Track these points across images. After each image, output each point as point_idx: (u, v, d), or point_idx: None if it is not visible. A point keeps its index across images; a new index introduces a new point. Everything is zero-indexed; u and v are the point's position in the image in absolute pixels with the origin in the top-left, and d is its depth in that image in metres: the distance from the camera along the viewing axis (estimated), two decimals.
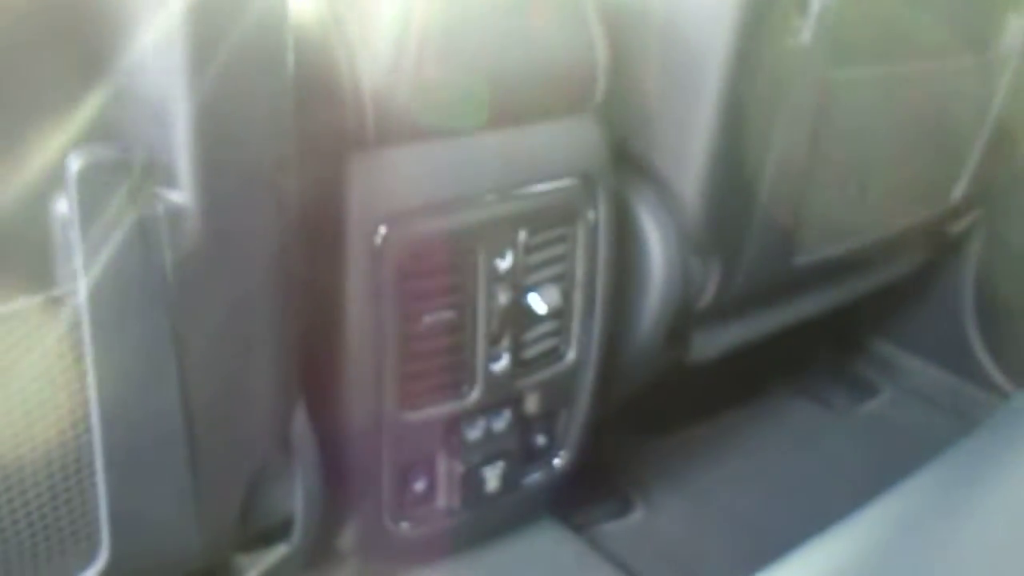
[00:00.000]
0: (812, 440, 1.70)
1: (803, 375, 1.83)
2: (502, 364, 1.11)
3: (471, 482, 1.16)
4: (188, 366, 0.79)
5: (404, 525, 1.15)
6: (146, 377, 0.78)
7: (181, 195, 0.73)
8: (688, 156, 1.16)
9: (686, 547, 1.45)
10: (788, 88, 1.16)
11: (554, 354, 1.18)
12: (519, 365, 1.13)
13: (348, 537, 1.15)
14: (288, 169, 0.83)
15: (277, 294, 0.85)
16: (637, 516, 1.53)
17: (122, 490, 0.80)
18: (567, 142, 1.08)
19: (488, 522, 1.24)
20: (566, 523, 1.43)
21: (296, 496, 0.98)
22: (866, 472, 1.49)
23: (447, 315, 1.04)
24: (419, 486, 1.14)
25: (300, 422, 0.97)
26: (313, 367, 1.05)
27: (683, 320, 1.34)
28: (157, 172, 0.72)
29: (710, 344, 1.43)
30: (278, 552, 1.03)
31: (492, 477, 1.17)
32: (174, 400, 0.79)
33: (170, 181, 0.73)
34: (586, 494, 1.48)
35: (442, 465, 1.15)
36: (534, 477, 1.25)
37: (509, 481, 1.19)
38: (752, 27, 1.10)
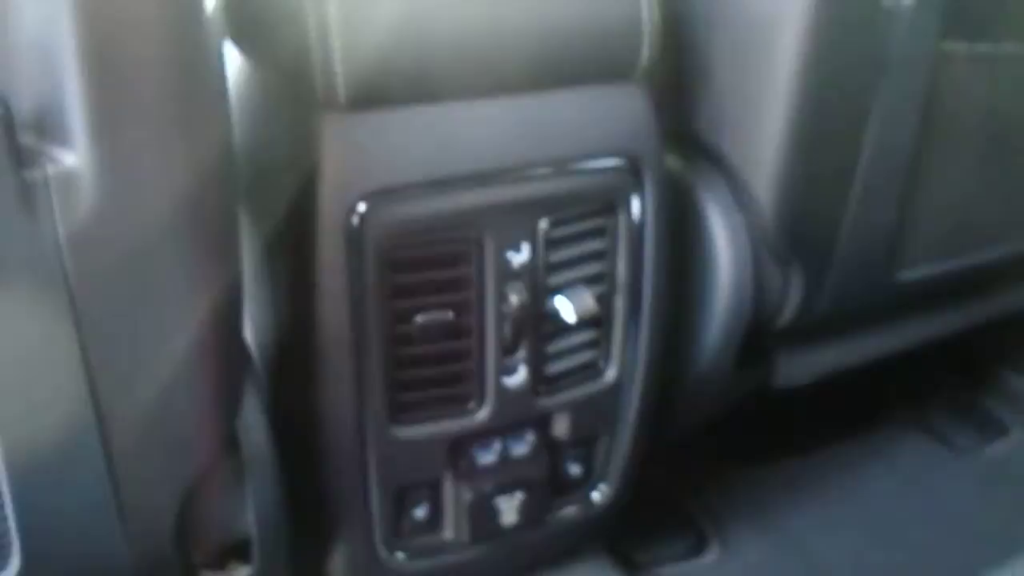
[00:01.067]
0: (925, 482, 1.51)
1: (919, 408, 1.65)
2: (518, 378, 0.94)
3: (482, 513, 0.99)
4: (95, 357, 0.69)
5: (400, 556, 0.99)
6: (46, 370, 0.69)
7: (73, 156, 0.63)
8: (761, 140, 0.97)
9: None
10: (888, 62, 0.95)
11: (590, 370, 1.00)
12: (542, 381, 0.96)
13: (337, 564, 0.99)
14: (213, 122, 0.68)
15: (200, 273, 0.70)
16: (710, 557, 1.37)
17: (28, 494, 0.71)
18: (603, 114, 0.90)
19: (507, 559, 1.07)
20: (623, 561, 1.28)
21: (248, 513, 0.83)
22: (989, 524, 1.36)
23: (444, 316, 0.87)
24: (419, 513, 0.98)
25: (255, 427, 0.83)
26: (286, 366, 0.92)
27: (760, 338, 1.15)
28: (44, 129, 0.63)
29: (799, 368, 1.24)
30: (240, 573, 0.90)
31: (508, 509, 1.00)
32: (82, 396, 0.70)
33: (60, 139, 0.63)
34: (653, 528, 1.37)
35: (448, 491, 0.98)
36: (567, 512, 1.08)
37: (531, 514, 1.02)
38: None
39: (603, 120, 0.91)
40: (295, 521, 0.98)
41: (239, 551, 0.89)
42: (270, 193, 0.90)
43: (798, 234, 1.04)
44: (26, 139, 0.62)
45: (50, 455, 0.71)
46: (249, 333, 0.99)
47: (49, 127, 0.63)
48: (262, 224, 0.93)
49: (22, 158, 0.62)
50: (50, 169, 0.62)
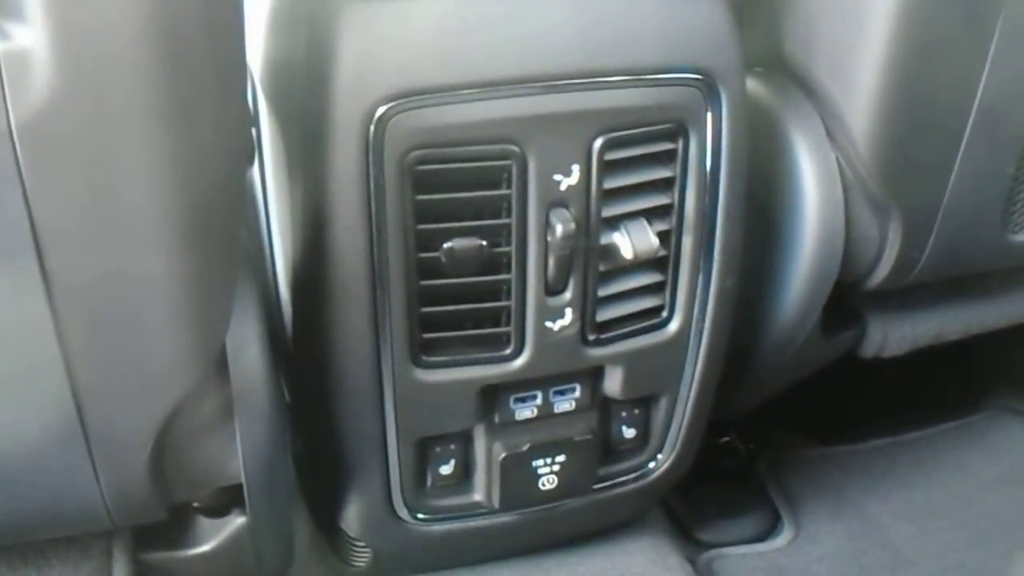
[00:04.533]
0: None
1: (1020, 391, 1.50)
2: (564, 322, 0.83)
3: (517, 474, 0.89)
4: (51, 264, 0.60)
5: (421, 516, 0.90)
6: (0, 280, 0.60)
7: (28, 32, 0.54)
8: (861, 65, 0.84)
9: None
10: None
11: (650, 319, 0.88)
12: (593, 328, 0.85)
13: (350, 519, 0.89)
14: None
15: (172, 170, 0.59)
16: (781, 541, 1.25)
17: None
18: (677, 19, 0.78)
19: (545, 528, 0.95)
20: (682, 537, 1.21)
21: (237, 455, 0.75)
22: None
23: (475, 244, 0.75)
24: (444, 469, 0.88)
25: (249, 353, 0.73)
26: (301, 292, 0.83)
27: (850, 297, 1.03)
28: None
29: (892, 337, 1.11)
30: (235, 521, 0.82)
31: (548, 472, 0.89)
32: (38, 308, 0.61)
33: (14, 12, 0.54)
34: (719, 503, 1.28)
35: (479, 447, 0.88)
36: (617, 481, 0.97)
37: (574, 481, 0.91)
38: None
39: (676, 27, 0.79)
40: (311, 468, 0.89)
41: (243, 496, 0.80)
42: (287, 92, 0.79)
43: (900, 177, 0.91)
44: None
45: (4, 372, 0.64)
46: (278, 256, 0.90)
47: None
48: (284, 130, 0.82)
49: None
50: (1, 46, 0.54)
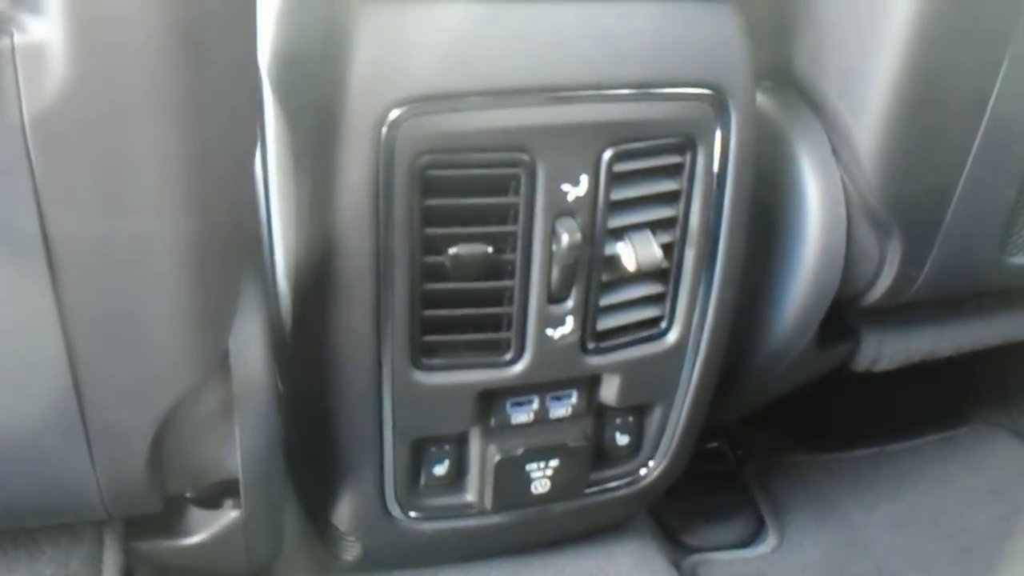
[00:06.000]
0: (1010, 491, 1.37)
1: (1010, 407, 1.49)
2: (565, 331, 0.83)
3: (510, 477, 0.89)
4: (59, 257, 0.60)
5: (413, 514, 0.90)
6: (5, 271, 0.60)
7: (44, 24, 0.53)
8: (870, 85, 0.84)
9: None
10: None
11: (649, 329, 0.88)
12: (592, 336, 0.85)
13: (343, 515, 0.89)
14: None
15: (181, 165, 0.60)
16: (765, 548, 1.26)
17: None
18: (690, 34, 0.78)
19: (534, 529, 0.96)
20: (669, 540, 1.21)
21: (235, 450, 0.75)
22: None
23: (482, 250, 0.75)
24: (439, 469, 0.88)
25: (251, 352, 0.72)
26: (304, 289, 0.82)
27: (846, 312, 1.03)
28: None
29: (885, 352, 1.11)
30: (227, 516, 0.82)
31: (540, 476, 0.89)
32: (44, 299, 0.61)
33: (29, 5, 0.53)
34: (706, 507, 1.28)
35: (474, 449, 0.88)
36: (608, 485, 0.97)
37: (566, 485, 0.91)
38: None
39: (689, 41, 0.78)
40: (303, 461, 0.89)
41: (236, 488, 0.80)
42: (300, 90, 0.79)
43: (902, 198, 0.91)
44: None
45: (7, 362, 0.64)
46: (279, 249, 0.89)
47: None
48: (291, 124, 0.82)
49: None
50: (17, 38, 0.53)
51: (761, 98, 0.92)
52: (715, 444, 1.35)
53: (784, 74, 0.91)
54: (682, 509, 1.25)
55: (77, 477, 0.70)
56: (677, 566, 1.14)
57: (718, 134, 0.81)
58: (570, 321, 0.83)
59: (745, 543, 1.26)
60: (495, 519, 0.93)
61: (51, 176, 0.57)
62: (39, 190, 0.57)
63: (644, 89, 0.77)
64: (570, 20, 0.74)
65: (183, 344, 0.66)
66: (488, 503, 0.90)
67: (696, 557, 1.21)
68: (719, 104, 0.80)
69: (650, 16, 0.76)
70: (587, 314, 0.83)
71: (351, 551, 0.95)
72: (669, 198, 0.83)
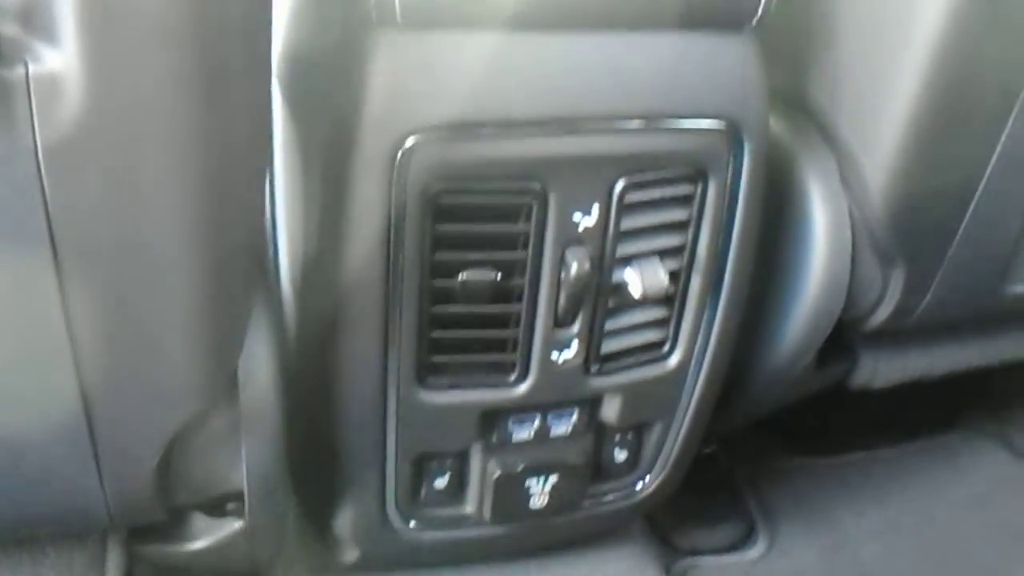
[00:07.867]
0: (997, 499, 1.38)
1: (998, 417, 1.50)
2: (570, 354, 0.83)
3: (510, 492, 0.90)
4: (71, 284, 0.60)
5: (413, 524, 0.92)
6: (15, 294, 0.60)
7: (59, 55, 0.53)
8: (882, 119, 0.84)
9: None
10: None
11: (652, 353, 0.89)
12: (597, 359, 0.85)
13: (344, 525, 0.90)
14: (228, 25, 0.57)
15: (194, 197, 0.60)
16: (755, 553, 1.28)
17: None
18: (706, 67, 0.78)
19: (531, 539, 0.97)
20: (661, 543, 1.23)
21: (241, 465, 0.75)
22: None
23: (490, 277, 0.76)
24: (439, 482, 0.89)
25: (260, 373, 0.73)
26: (313, 307, 0.83)
27: (846, 333, 1.02)
28: (30, 19, 0.53)
29: (882, 370, 1.12)
30: (231, 525, 0.83)
31: (539, 491, 0.90)
32: (54, 324, 0.61)
33: (47, 34, 0.53)
34: (698, 511, 1.29)
35: (475, 463, 0.89)
36: (605, 501, 0.98)
37: (564, 499, 0.92)
38: None
39: (705, 74, 0.78)
40: (305, 472, 0.90)
41: (240, 496, 0.80)
42: (313, 115, 0.79)
43: (908, 231, 0.91)
44: (8, 29, 0.53)
45: (19, 382, 0.64)
46: (284, 265, 0.90)
47: (36, 18, 0.52)
48: (303, 148, 0.82)
49: (1, 51, 0.52)
50: (31, 68, 0.53)
51: (773, 121, 0.92)
52: (708, 450, 1.35)
53: (797, 100, 0.91)
54: (674, 511, 1.26)
55: (84, 493, 0.70)
56: (668, 569, 1.15)
57: (730, 165, 0.81)
58: (575, 345, 0.83)
59: (735, 547, 1.28)
60: (493, 529, 0.94)
61: (63, 202, 0.57)
62: (51, 216, 0.57)
63: (658, 121, 0.77)
64: (586, 52, 0.74)
65: (194, 366, 0.66)
66: (487, 515, 0.91)
67: (687, 561, 1.22)
68: (733, 136, 0.80)
69: (666, 48, 0.76)
70: (592, 338, 0.84)
71: (350, 556, 0.97)
72: (678, 227, 0.83)
